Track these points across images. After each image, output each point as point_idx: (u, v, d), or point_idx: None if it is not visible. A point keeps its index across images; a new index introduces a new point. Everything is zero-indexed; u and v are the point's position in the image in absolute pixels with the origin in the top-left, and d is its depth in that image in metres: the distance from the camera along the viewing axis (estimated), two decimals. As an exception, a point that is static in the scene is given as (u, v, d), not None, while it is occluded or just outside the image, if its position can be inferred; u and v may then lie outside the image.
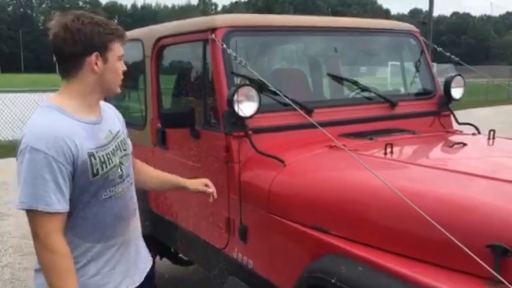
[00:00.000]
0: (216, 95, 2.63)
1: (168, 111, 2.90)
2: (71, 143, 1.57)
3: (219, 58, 2.59)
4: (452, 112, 3.22)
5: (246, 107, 2.43)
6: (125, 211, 1.79)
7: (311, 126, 2.71)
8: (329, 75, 3.15)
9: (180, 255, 3.77)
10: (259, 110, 2.46)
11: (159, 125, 3.19)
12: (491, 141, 2.58)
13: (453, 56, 3.22)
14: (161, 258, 3.90)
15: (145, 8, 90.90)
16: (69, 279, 1.57)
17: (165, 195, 3.28)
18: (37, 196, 1.52)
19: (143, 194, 3.47)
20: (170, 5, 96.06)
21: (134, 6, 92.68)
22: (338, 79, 3.14)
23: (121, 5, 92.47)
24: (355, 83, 3.01)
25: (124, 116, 1.96)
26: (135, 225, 1.89)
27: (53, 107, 1.63)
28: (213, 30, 2.63)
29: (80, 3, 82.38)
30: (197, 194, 2.83)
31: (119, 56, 1.71)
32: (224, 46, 2.54)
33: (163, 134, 3.13)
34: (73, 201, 1.63)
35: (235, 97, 2.38)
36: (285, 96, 2.45)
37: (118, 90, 1.78)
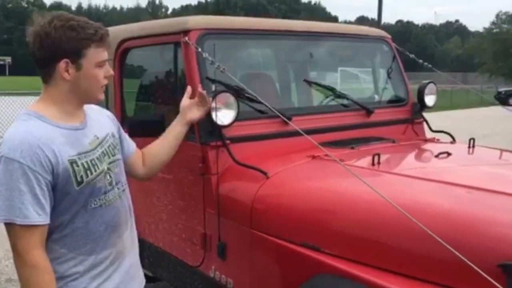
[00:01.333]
0: (190, 102, 2.45)
1: (136, 118, 2.69)
2: (48, 150, 1.47)
3: (193, 62, 2.42)
4: (425, 120, 3.19)
5: (224, 115, 2.28)
6: (117, 220, 1.68)
7: (289, 134, 2.60)
8: (305, 81, 3.04)
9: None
10: (236, 118, 2.31)
11: (123, 133, 2.98)
12: (471, 149, 2.55)
13: (426, 63, 3.20)
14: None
15: (92, 9, 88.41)
16: None
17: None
18: (13, 208, 1.43)
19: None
20: (118, 7, 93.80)
21: (79, 7, 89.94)
22: (315, 85, 3.03)
23: (66, 5, 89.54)
24: (332, 89, 2.92)
25: None
26: (130, 235, 1.78)
27: (32, 114, 1.54)
28: (185, 32, 2.46)
29: (23, 3, 79.25)
30: (167, 208, 2.68)
31: (98, 62, 1.59)
32: (199, 49, 2.37)
33: (128, 143, 2.91)
34: (61, 212, 1.53)
35: (213, 104, 2.22)
36: (265, 104, 2.31)
37: (100, 97, 1.65)
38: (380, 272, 1.68)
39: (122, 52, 3.01)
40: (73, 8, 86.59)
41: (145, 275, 3.57)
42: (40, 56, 1.52)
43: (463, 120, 16.14)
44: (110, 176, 1.65)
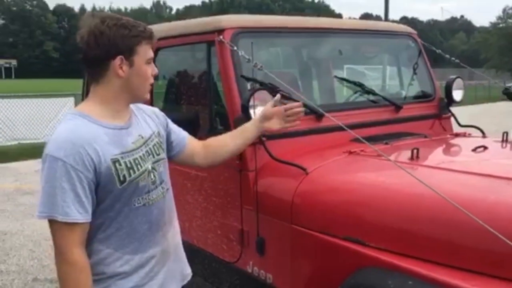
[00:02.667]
0: (225, 100, 2.49)
1: (170, 117, 2.71)
2: (91, 149, 1.50)
3: (228, 61, 2.45)
4: (453, 115, 3.20)
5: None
6: (161, 219, 1.70)
7: (321, 131, 2.62)
8: (336, 77, 3.06)
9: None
10: (273, 116, 2.33)
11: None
12: (505, 143, 2.56)
13: (453, 58, 3.21)
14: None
15: (96, 11, 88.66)
16: None
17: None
18: (55, 205, 1.46)
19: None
20: (123, 8, 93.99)
21: (82, 8, 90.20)
22: (345, 81, 3.05)
23: (70, 8, 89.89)
24: (361, 85, 2.93)
25: None
26: (173, 233, 1.79)
27: (77, 114, 1.57)
28: (220, 31, 2.48)
29: (27, 6, 79.52)
30: (202, 205, 2.70)
31: (148, 59, 1.62)
32: (234, 48, 2.40)
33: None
34: (105, 210, 1.56)
35: (251, 102, 2.24)
36: (306, 100, 2.33)
37: (147, 96, 1.67)
38: (427, 264, 1.69)
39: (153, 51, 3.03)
40: (76, 9, 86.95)
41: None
42: (95, 55, 1.54)
43: (473, 116, 16.11)
44: (154, 176, 1.66)
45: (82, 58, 1.57)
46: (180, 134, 1.91)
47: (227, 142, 2.00)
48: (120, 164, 1.55)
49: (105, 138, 1.54)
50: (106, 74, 1.56)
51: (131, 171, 1.57)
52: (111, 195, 1.55)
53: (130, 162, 1.57)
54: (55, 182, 1.46)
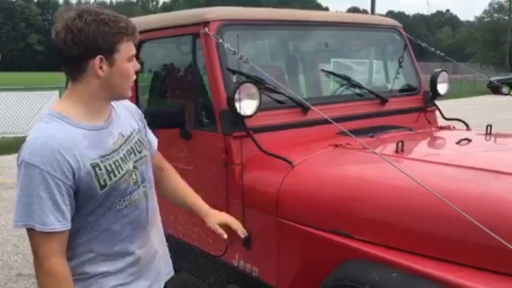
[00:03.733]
0: (210, 93, 2.47)
1: (155, 110, 2.69)
2: (70, 155, 1.42)
3: (213, 53, 2.43)
4: (438, 108, 3.23)
5: (247, 106, 2.29)
6: (143, 219, 1.63)
7: (307, 124, 2.62)
8: (323, 70, 3.06)
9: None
10: (258, 109, 2.33)
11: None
12: (489, 136, 2.58)
13: (438, 52, 3.23)
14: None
15: (81, 4, 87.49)
16: None
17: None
18: (32, 214, 1.39)
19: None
20: (108, 1, 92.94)
21: (66, 1, 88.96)
22: (331, 75, 3.05)
23: (54, 0, 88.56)
24: (348, 79, 2.94)
25: None
26: (157, 232, 1.75)
27: (54, 114, 1.47)
28: (205, 23, 2.46)
29: (12, -1, 78.32)
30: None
31: (129, 56, 1.50)
32: (220, 40, 2.38)
33: (145, 135, 2.92)
34: (85, 215, 1.50)
35: (237, 95, 2.23)
36: (291, 93, 2.32)
37: (129, 93, 1.57)
38: (412, 256, 1.71)
39: (136, 45, 3.00)
40: (60, 1, 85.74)
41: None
42: (72, 53, 1.43)
43: (456, 109, 16.30)
44: (136, 175, 1.59)
45: (58, 55, 1.46)
46: (153, 140, 1.84)
47: (178, 194, 1.96)
48: (100, 169, 1.47)
49: (84, 142, 1.46)
50: (84, 74, 1.46)
51: (111, 174, 1.50)
52: (92, 201, 1.48)
53: (111, 166, 1.50)
54: (32, 191, 1.39)
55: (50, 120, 1.46)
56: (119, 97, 1.57)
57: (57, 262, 1.43)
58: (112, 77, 1.48)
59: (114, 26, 1.45)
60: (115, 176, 1.51)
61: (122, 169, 1.53)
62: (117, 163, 1.52)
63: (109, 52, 1.45)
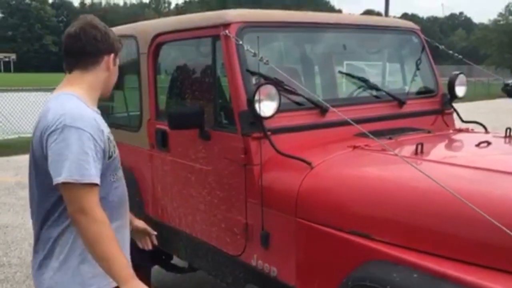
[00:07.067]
0: (230, 94, 2.49)
1: (176, 111, 2.72)
2: (101, 123, 1.72)
3: (234, 55, 2.45)
4: (456, 111, 3.22)
5: (266, 107, 2.31)
6: (125, 195, 1.91)
7: (325, 125, 2.64)
8: (340, 72, 3.07)
9: (173, 262, 3.59)
10: (278, 110, 2.35)
11: (158, 126, 3.02)
12: (508, 139, 2.57)
13: (456, 54, 3.22)
14: (152, 266, 3.69)
15: (95, 5, 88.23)
16: (116, 244, 1.63)
17: (165, 200, 3.10)
18: (82, 169, 1.59)
19: (139, 199, 3.28)
20: (121, 3, 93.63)
21: (82, 3, 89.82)
22: (349, 77, 3.06)
23: (69, 1, 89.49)
24: (365, 81, 2.94)
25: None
26: (128, 210, 1.99)
27: (70, 94, 1.74)
28: (225, 25, 2.49)
29: (26, 0, 79.15)
30: (206, 199, 2.72)
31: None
32: (240, 42, 2.40)
33: (164, 135, 2.95)
34: None
35: (256, 96, 2.25)
36: (307, 95, 2.34)
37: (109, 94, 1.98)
38: (432, 257, 1.71)
39: (156, 47, 3.04)
40: (75, 3, 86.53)
41: (173, 265, 3.62)
42: (97, 47, 1.76)
43: (471, 113, 16.17)
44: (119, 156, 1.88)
45: (77, 48, 1.75)
46: None
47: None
48: (110, 141, 1.76)
49: (100, 119, 1.76)
50: (97, 66, 1.79)
51: (114, 148, 1.80)
52: (100, 167, 1.69)
53: (113, 141, 1.80)
54: (79, 149, 1.59)
55: (71, 98, 1.71)
56: (107, 92, 1.92)
57: (101, 212, 1.63)
58: (111, 74, 1.86)
59: (115, 35, 1.87)
60: (115, 151, 1.81)
61: (115, 147, 1.83)
62: (114, 141, 1.82)
63: (116, 54, 1.85)
